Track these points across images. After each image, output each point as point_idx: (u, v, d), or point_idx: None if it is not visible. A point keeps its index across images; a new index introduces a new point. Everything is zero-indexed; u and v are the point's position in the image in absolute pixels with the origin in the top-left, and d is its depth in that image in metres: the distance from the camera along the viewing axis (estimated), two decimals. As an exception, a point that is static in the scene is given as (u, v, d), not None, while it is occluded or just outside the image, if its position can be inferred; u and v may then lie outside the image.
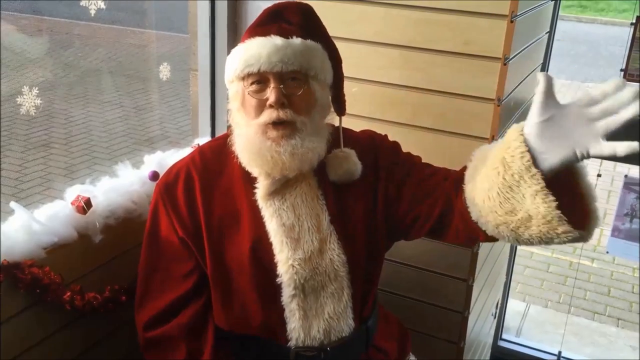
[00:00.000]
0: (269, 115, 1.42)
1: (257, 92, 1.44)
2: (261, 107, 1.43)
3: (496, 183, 1.26)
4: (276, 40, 1.42)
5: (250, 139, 1.45)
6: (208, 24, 2.18)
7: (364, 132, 1.67)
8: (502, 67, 1.84)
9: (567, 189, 1.25)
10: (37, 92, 1.63)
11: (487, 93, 1.87)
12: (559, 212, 1.20)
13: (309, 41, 1.46)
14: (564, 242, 1.26)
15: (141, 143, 4.61)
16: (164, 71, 2.15)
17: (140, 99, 5.03)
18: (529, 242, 1.29)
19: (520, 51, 1.99)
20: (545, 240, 1.26)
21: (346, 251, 1.51)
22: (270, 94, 1.42)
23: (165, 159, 1.92)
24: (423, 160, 1.63)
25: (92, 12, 1.72)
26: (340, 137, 1.56)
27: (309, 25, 1.50)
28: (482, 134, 1.91)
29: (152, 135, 4.79)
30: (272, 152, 1.42)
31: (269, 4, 1.52)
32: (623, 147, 1.12)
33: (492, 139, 1.90)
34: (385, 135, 1.67)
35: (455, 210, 1.45)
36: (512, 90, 2.00)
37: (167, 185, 1.55)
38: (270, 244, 1.48)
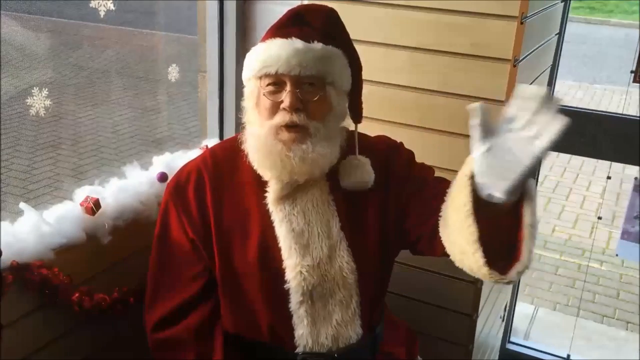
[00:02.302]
0: (282, 117, 1.41)
1: (272, 94, 1.43)
2: (275, 108, 1.42)
3: (450, 216, 1.27)
4: (297, 43, 1.41)
5: (261, 140, 1.44)
6: (217, 26, 2.18)
7: (378, 137, 1.65)
8: (512, 69, 1.83)
9: (509, 229, 1.21)
10: (47, 92, 1.63)
11: (497, 95, 1.86)
12: (483, 263, 1.18)
13: (330, 47, 1.44)
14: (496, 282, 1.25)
15: (149, 144, 4.62)
16: (173, 72, 2.15)
17: (148, 100, 5.04)
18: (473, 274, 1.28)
19: (530, 53, 1.98)
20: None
21: (356, 259, 1.49)
22: (286, 98, 1.40)
23: (173, 160, 1.92)
24: (434, 164, 1.61)
25: (102, 13, 1.73)
26: (355, 144, 1.54)
27: (331, 30, 1.48)
28: (491, 136, 1.90)
29: (160, 137, 4.80)
30: (282, 156, 1.41)
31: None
32: (548, 134, 1.08)
33: (502, 141, 1.88)
34: (401, 143, 1.64)
35: None
36: (522, 92, 1.99)
37: (178, 186, 1.55)
38: (279, 249, 1.47)
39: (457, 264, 1.30)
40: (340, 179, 1.51)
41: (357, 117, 1.57)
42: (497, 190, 1.14)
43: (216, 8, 2.16)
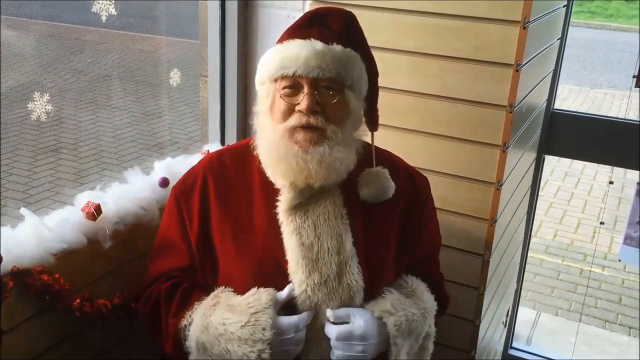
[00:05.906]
0: (297, 119, 1.36)
1: (288, 96, 1.38)
2: (290, 111, 1.38)
3: None
4: (316, 44, 1.37)
5: (275, 143, 1.39)
6: (218, 30, 2.18)
7: (400, 159, 1.63)
8: (514, 74, 1.82)
9: None
10: (48, 97, 1.63)
11: (499, 100, 1.86)
12: None
13: (349, 49, 1.40)
14: None
15: (150, 149, 4.61)
16: (174, 77, 2.15)
17: (149, 104, 5.04)
18: None
19: (533, 57, 1.98)
20: None
21: (366, 277, 1.43)
22: (303, 100, 1.36)
23: (174, 164, 1.92)
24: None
25: (104, 18, 1.73)
26: (372, 155, 1.51)
27: (350, 33, 1.44)
28: (493, 140, 1.89)
29: (162, 141, 4.80)
30: (299, 159, 1.36)
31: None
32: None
33: (504, 145, 1.88)
34: (425, 178, 1.64)
35: None
36: (524, 97, 1.99)
37: (184, 191, 1.52)
38: (286, 262, 1.41)
39: None
40: (360, 190, 1.46)
41: (374, 124, 1.53)
42: None
43: (218, 12, 2.16)
